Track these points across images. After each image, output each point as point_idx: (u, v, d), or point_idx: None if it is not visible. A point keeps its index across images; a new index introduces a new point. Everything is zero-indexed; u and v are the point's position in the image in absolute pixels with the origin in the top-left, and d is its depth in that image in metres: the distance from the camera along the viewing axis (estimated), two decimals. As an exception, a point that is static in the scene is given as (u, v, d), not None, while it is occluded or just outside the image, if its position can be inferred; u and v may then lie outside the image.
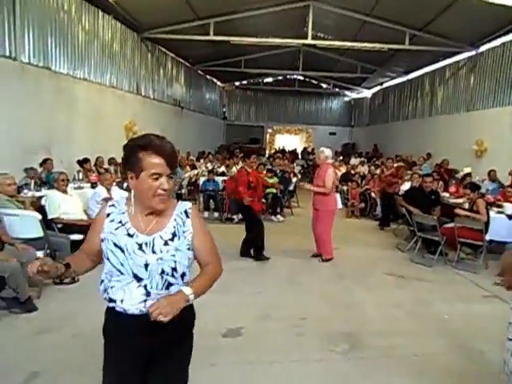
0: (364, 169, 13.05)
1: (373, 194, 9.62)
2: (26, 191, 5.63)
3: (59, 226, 4.92)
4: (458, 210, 5.96)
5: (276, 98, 24.53)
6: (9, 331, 3.53)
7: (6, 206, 4.32)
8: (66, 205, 5.07)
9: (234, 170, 9.47)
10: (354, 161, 15.24)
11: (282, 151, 19.81)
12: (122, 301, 1.58)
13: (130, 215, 1.62)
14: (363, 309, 4.37)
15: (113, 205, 1.67)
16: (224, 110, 23.93)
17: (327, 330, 3.79)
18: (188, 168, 10.59)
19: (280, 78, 22.96)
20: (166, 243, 1.59)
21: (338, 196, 6.10)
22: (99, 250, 1.65)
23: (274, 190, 8.99)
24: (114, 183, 6.09)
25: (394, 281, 5.32)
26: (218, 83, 22.40)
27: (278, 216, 8.89)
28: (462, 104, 12.90)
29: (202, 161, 13.12)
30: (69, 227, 4.91)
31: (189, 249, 1.64)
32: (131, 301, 1.57)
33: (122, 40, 11.27)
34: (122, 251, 1.56)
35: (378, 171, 10.48)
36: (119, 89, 11.18)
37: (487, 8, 9.30)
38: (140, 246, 1.57)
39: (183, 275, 1.63)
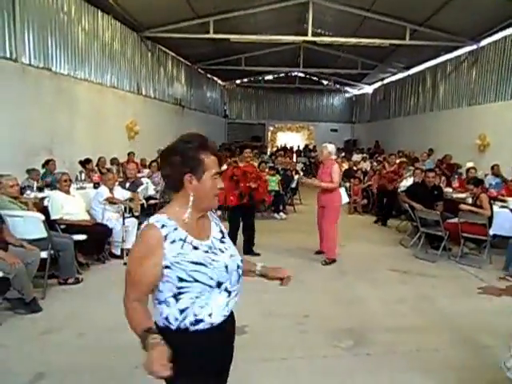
0: (366, 165, 13.02)
1: (375, 191, 9.59)
2: (28, 192, 5.65)
3: (62, 226, 4.93)
4: (462, 206, 5.93)
5: (277, 96, 24.50)
6: (14, 332, 3.55)
7: (9, 207, 4.33)
8: (69, 205, 5.08)
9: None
10: (355, 157, 15.21)
11: (284, 149, 19.78)
12: (210, 315, 1.46)
13: (184, 227, 1.48)
14: (367, 305, 4.37)
15: (163, 225, 1.44)
16: (225, 108, 23.93)
17: (331, 326, 3.79)
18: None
19: (281, 75, 22.93)
20: (222, 241, 1.58)
21: (342, 190, 5.98)
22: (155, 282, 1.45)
23: (277, 188, 9.00)
24: (117, 183, 6.11)
25: (398, 276, 5.31)
26: (219, 82, 22.39)
27: (281, 213, 8.90)
28: (463, 98, 12.86)
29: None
30: (72, 228, 4.93)
31: None
32: (218, 309, 1.49)
33: (122, 40, 11.27)
34: (205, 265, 1.44)
35: (379, 167, 10.40)
36: (120, 89, 11.19)
37: (488, 1, 9.25)
38: (207, 252, 1.49)
39: None
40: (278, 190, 9.01)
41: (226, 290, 1.50)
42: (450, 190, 7.99)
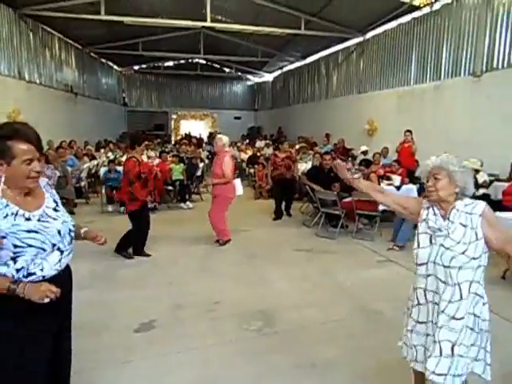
0: (269, 151, 13.41)
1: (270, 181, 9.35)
2: None
3: None
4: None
5: (178, 83, 23.89)
6: None
7: None
8: None
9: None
10: (259, 144, 15.59)
11: (188, 137, 19.43)
12: (42, 269, 1.75)
13: (15, 202, 1.72)
14: (274, 285, 4.52)
15: None
16: (123, 95, 22.65)
17: (241, 310, 3.84)
18: (86, 158, 9.83)
19: (182, 61, 22.35)
20: (55, 210, 1.86)
21: (238, 182, 5.96)
22: None
23: (181, 177, 8.83)
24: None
25: (302, 255, 5.58)
26: (115, 67, 21.07)
27: (188, 203, 8.75)
28: (353, 87, 13.89)
29: (102, 150, 12.31)
30: None
31: None
32: (49, 265, 1.77)
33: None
34: (38, 232, 1.72)
35: (271, 156, 8.99)
36: (-4, 73, 9.89)
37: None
38: (40, 221, 1.76)
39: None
40: (183, 179, 8.83)
41: (58, 249, 1.81)
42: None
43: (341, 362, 3.01)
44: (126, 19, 11.69)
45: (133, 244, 5.35)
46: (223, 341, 3.29)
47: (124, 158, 10.14)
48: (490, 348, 2.08)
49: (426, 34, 10.44)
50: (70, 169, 8.47)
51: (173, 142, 18.63)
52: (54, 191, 1.95)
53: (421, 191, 6.67)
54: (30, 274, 1.72)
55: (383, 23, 11.93)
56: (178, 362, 3.01)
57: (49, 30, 12.98)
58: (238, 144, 15.62)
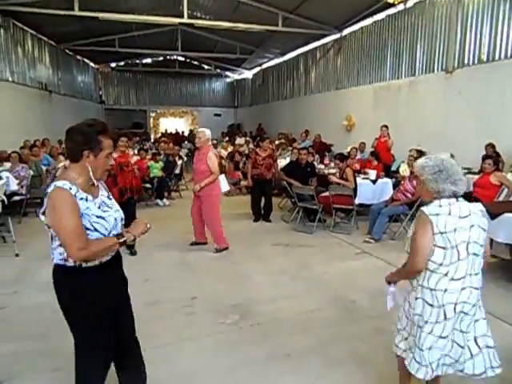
0: (250, 147, 13.45)
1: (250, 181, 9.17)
2: None
3: None
4: (331, 178, 6.52)
5: (157, 80, 23.60)
6: None
7: None
8: None
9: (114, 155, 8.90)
10: (239, 140, 15.58)
11: (166, 135, 19.25)
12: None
13: (82, 189, 1.86)
14: (252, 279, 4.55)
15: (70, 187, 1.80)
16: (100, 93, 22.25)
17: (218, 304, 3.86)
18: (61, 157, 9.63)
19: (160, 58, 22.10)
20: (109, 198, 2.04)
21: (222, 177, 5.76)
22: None
23: (160, 174, 8.77)
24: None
25: (280, 250, 5.63)
26: (92, 64, 20.67)
27: (164, 200, 8.70)
28: (331, 83, 14.01)
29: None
30: None
31: None
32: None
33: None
34: (103, 218, 1.92)
35: (251, 154, 8.04)
36: (-34, 70, 9.59)
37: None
38: (100, 208, 1.93)
39: None
40: (161, 175, 8.78)
41: (113, 235, 1.94)
42: (323, 166, 8.70)
43: (315, 351, 3.07)
44: (101, 15, 11.48)
45: None
46: (199, 335, 3.31)
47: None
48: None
49: (400, 31, 10.62)
50: (44, 168, 8.31)
51: (152, 140, 18.41)
52: (102, 183, 2.07)
53: (396, 185, 6.81)
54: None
55: (359, 20, 12.06)
56: (153, 357, 3.00)
57: (20, 25, 12.64)
58: (224, 143, 15.12)
